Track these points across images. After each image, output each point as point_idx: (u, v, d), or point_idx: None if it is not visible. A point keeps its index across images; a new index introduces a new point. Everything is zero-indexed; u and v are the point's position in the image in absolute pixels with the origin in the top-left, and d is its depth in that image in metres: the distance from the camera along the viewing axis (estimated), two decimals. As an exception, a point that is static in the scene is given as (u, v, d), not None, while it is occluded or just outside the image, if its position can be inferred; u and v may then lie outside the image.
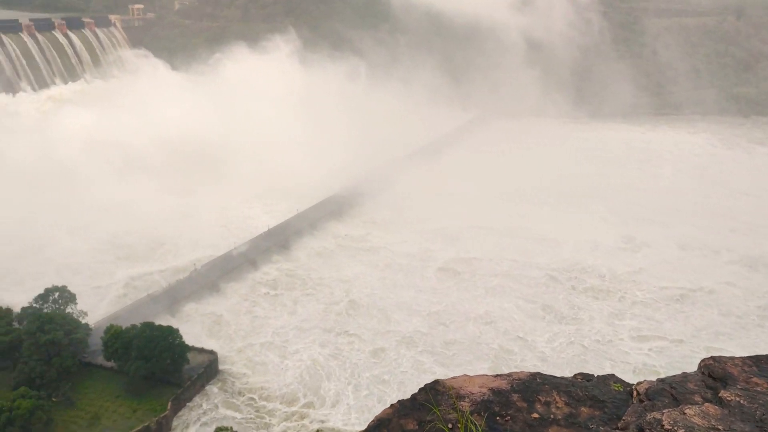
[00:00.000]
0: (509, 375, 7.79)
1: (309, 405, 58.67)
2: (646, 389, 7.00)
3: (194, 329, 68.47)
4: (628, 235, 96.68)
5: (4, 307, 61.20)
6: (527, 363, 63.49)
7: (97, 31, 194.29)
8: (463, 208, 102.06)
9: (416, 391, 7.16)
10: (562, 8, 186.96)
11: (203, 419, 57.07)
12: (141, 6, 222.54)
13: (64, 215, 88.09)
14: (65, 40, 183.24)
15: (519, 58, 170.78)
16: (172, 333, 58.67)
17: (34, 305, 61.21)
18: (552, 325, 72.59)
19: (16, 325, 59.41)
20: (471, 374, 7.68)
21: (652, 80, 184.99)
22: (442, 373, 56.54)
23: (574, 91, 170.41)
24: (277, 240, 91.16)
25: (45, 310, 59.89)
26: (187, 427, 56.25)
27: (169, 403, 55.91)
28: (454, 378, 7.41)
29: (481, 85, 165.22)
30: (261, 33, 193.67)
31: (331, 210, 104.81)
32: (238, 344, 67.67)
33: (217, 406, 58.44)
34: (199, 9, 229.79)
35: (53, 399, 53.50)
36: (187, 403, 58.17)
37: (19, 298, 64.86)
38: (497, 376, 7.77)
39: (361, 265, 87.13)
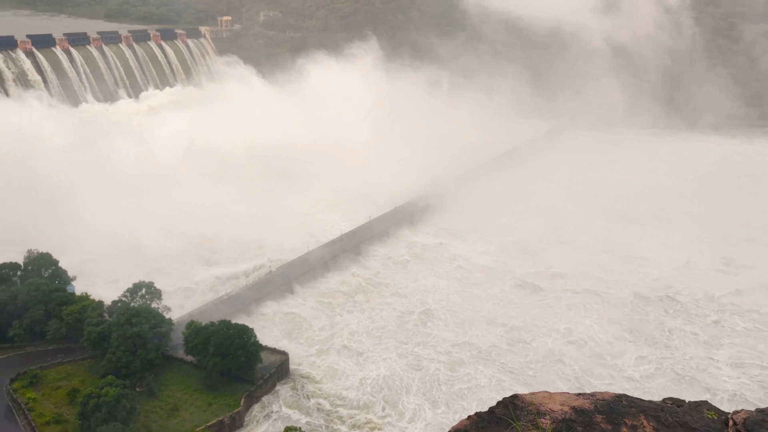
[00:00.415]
0: (592, 395, 7.36)
1: (383, 416, 58.06)
2: (744, 419, 6.44)
3: (268, 329, 70.49)
4: (726, 255, 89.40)
5: (97, 300, 65.47)
6: (613, 387, 60.41)
7: (188, 41, 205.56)
8: (544, 221, 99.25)
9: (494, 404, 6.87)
10: (649, 12, 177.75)
11: (273, 417, 58.41)
12: (229, 18, 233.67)
13: (159, 217, 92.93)
14: (159, 50, 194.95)
15: (604, 65, 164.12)
16: (246, 332, 60.57)
17: (124, 299, 65.05)
18: (641, 348, 68.29)
19: (106, 317, 63.32)
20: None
21: (749, 90, 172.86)
22: (521, 392, 54.64)
23: (663, 100, 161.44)
24: (351, 246, 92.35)
25: (133, 305, 63.51)
26: (258, 423, 57.77)
27: (242, 399, 57.71)
28: (533, 393, 7.07)
29: (563, 93, 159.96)
30: (341, 42, 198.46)
31: (404, 217, 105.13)
32: (310, 347, 68.89)
33: (287, 407, 59.63)
34: (282, 20, 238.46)
35: (137, 389, 56.50)
36: (259, 401, 59.78)
37: (112, 294, 68.94)
38: (579, 395, 7.35)
39: (436, 275, 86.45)
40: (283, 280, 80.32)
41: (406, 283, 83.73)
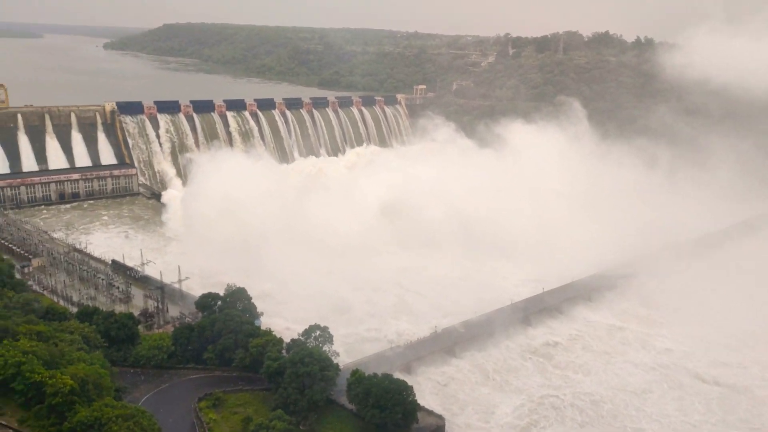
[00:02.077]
0: None
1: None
2: None
3: (427, 390, 70.28)
4: None
5: (279, 336, 71.34)
6: None
7: (385, 107, 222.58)
8: (754, 315, 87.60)
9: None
10: None
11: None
12: (423, 87, 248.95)
13: (364, 278, 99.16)
14: (359, 114, 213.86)
15: None
16: (406, 389, 61.05)
17: (300, 338, 69.97)
18: None
19: (284, 353, 68.56)
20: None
21: None
22: None
23: None
24: (519, 314, 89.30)
25: (307, 345, 67.98)
26: (408, 485, 57.09)
27: (395, 458, 57.58)
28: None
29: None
30: (531, 111, 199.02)
31: (581, 293, 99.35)
32: (468, 417, 67.17)
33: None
34: (473, 89, 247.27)
35: (301, 426, 59.69)
36: (411, 462, 59.16)
37: (293, 331, 74.74)
38: None
39: (625, 364, 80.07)
40: (447, 343, 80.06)
41: (582, 364, 78.03)
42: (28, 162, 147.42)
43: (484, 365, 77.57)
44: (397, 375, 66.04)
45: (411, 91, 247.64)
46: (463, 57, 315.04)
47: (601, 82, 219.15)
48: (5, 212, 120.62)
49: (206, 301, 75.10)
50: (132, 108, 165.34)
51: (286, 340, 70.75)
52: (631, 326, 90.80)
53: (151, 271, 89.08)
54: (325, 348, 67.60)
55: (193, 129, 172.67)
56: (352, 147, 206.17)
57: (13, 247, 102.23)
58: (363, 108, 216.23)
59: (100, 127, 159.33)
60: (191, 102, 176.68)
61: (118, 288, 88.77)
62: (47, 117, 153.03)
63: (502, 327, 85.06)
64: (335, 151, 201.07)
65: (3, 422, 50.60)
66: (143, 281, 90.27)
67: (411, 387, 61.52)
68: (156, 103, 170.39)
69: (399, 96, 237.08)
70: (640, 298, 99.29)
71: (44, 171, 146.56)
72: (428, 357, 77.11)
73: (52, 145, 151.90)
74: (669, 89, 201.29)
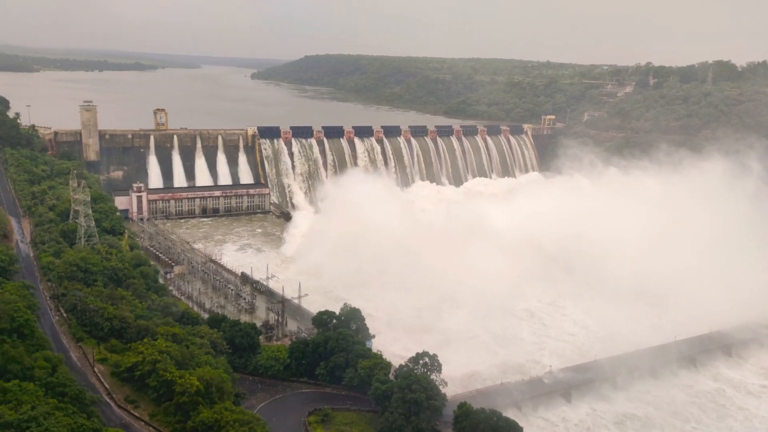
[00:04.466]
0: None
1: None
2: None
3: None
4: None
5: (387, 360, 71.97)
6: None
7: (510, 137, 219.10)
8: None
9: None
10: None
11: None
12: (552, 117, 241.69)
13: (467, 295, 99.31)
14: (483, 143, 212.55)
15: None
16: (515, 429, 58.58)
17: (409, 364, 70.01)
18: None
19: (392, 378, 68.96)
20: None
21: None
22: None
23: None
24: (646, 363, 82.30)
25: (415, 371, 67.83)
26: None
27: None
28: None
29: None
30: (671, 147, 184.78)
31: (720, 345, 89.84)
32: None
33: None
34: (606, 120, 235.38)
35: (404, 453, 59.42)
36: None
37: (401, 356, 75.33)
38: None
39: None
40: (561, 386, 75.85)
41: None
42: (179, 178, 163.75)
43: (602, 415, 72.25)
44: (508, 413, 63.54)
45: (539, 121, 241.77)
46: (598, 87, 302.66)
47: (755, 116, 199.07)
48: (156, 222, 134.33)
49: (322, 318, 77.76)
50: (270, 132, 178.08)
51: (395, 365, 71.12)
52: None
53: (274, 285, 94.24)
54: (433, 376, 66.99)
55: (323, 152, 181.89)
56: (475, 176, 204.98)
57: (160, 255, 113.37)
58: (488, 137, 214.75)
59: (241, 150, 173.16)
60: (323, 128, 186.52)
61: (244, 299, 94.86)
62: (198, 139, 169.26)
63: (625, 376, 79.29)
64: (456, 180, 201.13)
65: (137, 414, 55.81)
66: (267, 294, 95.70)
67: (521, 428, 58.98)
68: (291, 128, 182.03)
69: (525, 126, 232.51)
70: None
71: (191, 187, 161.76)
72: (542, 398, 73.50)
73: (200, 164, 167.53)
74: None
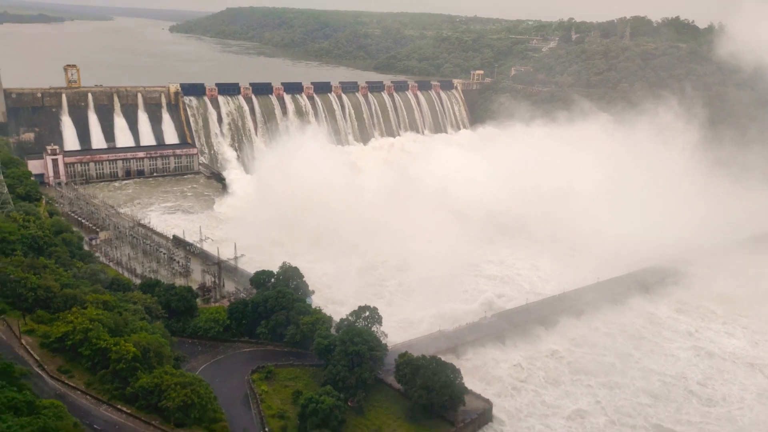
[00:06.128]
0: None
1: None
2: None
3: (474, 374, 70.07)
4: None
5: (328, 315, 72.67)
6: None
7: (441, 92, 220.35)
8: None
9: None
10: None
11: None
12: (481, 72, 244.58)
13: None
14: (414, 99, 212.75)
15: None
16: (454, 372, 61.20)
17: (350, 318, 71.01)
18: None
19: (333, 332, 69.84)
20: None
21: None
22: None
23: None
24: (571, 305, 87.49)
25: (357, 325, 68.93)
26: (453, 467, 57.40)
27: (442, 439, 57.94)
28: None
29: None
30: (594, 99, 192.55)
31: (637, 283, 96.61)
32: (516, 401, 66.88)
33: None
34: (532, 75, 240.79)
35: (349, 403, 60.83)
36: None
37: (341, 311, 76.30)
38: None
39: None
40: (495, 330, 79.43)
41: (634, 356, 76.61)
42: (98, 139, 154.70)
43: (533, 357, 76.52)
44: (447, 359, 66.04)
45: (468, 76, 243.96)
46: (524, 42, 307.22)
47: (669, 69, 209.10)
48: (75, 187, 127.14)
49: (261, 278, 77.14)
50: (194, 89, 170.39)
51: (336, 319, 71.95)
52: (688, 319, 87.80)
53: (208, 247, 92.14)
54: (374, 328, 68.34)
55: (252, 110, 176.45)
56: (406, 131, 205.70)
57: (82, 220, 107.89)
58: (419, 93, 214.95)
59: (164, 108, 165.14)
60: (250, 84, 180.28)
61: (178, 262, 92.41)
62: (116, 97, 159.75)
63: (554, 315, 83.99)
64: (390, 135, 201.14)
65: (72, 384, 53.96)
66: (202, 257, 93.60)
67: (459, 370, 61.63)
68: (217, 85, 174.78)
69: (455, 81, 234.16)
70: (703, 289, 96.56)
71: (112, 148, 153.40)
72: (477, 342, 76.66)
73: (120, 124, 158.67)
74: (744, 79, 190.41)
